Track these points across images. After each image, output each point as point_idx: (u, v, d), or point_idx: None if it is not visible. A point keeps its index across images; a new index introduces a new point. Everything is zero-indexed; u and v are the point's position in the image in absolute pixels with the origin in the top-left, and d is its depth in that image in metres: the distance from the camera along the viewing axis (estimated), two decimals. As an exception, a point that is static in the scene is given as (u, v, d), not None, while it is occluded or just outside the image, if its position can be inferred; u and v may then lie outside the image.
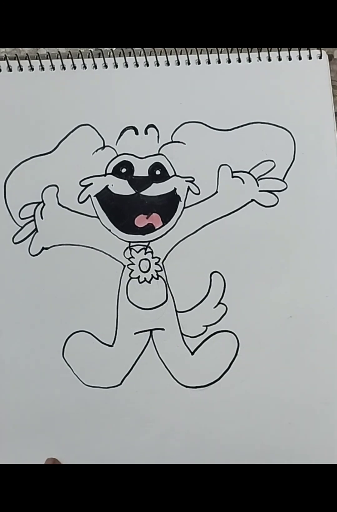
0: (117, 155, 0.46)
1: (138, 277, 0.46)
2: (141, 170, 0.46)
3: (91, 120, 0.46)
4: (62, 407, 0.45)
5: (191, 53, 0.47)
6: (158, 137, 0.47)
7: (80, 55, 0.47)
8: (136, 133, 0.47)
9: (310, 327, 0.46)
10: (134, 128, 0.47)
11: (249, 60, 0.48)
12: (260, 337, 0.46)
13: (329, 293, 0.47)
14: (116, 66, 0.47)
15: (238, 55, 0.47)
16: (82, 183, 0.46)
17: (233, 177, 0.47)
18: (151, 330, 0.46)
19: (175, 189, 0.46)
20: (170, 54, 0.47)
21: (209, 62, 0.47)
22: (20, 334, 0.45)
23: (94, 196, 0.46)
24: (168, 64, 0.47)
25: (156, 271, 0.46)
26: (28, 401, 0.45)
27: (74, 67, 0.47)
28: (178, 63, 0.47)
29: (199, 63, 0.47)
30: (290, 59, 0.48)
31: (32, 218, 0.46)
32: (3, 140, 0.46)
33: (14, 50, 0.47)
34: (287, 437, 0.46)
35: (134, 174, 0.46)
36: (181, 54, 0.47)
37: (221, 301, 0.46)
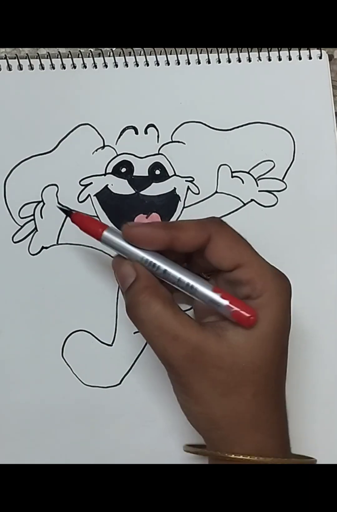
0: (117, 155, 0.46)
1: (138, 277, 0.46)
2: (141, 169, 0.46)
3: (91, 119, 0.47)
4: (61, 406, 0.45)
5: (191, 53, 0.47)
6: (158, 136, 0.47)
7: (80, 55, 0.47)
8: (136, 132, 0.47)
9: (308, 326, 0.46)
10: (134, 127, 0.47)
11: (249, 60, 0.48)
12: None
13: (328, 293, 0.47)
14: (116, 66, 0.47)
15: (238, 55, 0.47)
16: (82, 183, 0.46)
17: (232, 177, 0.47)
18: (150, 330, 0.46)
19: (174, 188, 0.46)
20: (170, 54, 0.47)
21: (209, 62, 0.47)
22: (19, 334, 0.45)
23: (94, 195, 0.46)
24: (168, 64, 0.47)
25: (156, 270, 0.46)
26: (27, 401, 0.45)
27: (74, 67, 0.47)
28: (178, 63, 0.47)
29: (199, 63, 0.47)
30: (290, 59, 0.48)
31: (32, 217, 0.46)
32: (3, 139, 0.46)
33: (14, 50, 0.47)
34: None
35: (134, 174, 0.46)
36: (181, 54, 0.47)
37: (220, 301, 0.46)
